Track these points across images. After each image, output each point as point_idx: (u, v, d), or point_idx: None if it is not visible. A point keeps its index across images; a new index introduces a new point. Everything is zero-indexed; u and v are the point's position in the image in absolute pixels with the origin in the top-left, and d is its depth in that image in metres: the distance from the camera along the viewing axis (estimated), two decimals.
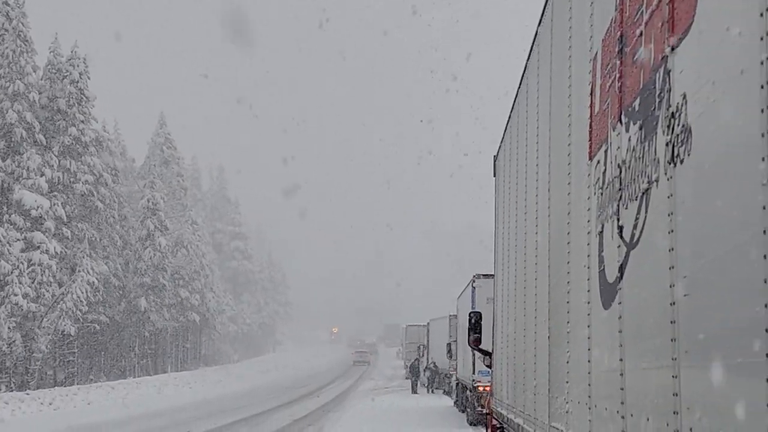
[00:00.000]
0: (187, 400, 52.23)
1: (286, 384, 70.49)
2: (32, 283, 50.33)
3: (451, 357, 48.24)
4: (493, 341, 16.61)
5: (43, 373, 57.42)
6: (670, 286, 4.29)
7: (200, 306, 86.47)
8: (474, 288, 32.46)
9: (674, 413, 4.17)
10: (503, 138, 14.81)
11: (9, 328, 48.51)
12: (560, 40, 8.19)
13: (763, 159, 3.10)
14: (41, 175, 52.78)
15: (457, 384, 44.71)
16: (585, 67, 6.86)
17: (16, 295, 48.53)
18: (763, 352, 3.09)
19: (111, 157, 66.18)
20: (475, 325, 18.49)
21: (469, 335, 18.68)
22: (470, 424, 35.72)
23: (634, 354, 5.27)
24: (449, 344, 49.11)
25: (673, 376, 4.26)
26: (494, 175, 16.37)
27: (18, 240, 49.95)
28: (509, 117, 13.69)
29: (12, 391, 49.22)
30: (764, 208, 3.10)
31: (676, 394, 4.21)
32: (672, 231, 4.28)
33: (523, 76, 11.72)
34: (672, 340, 4.28)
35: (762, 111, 3.08)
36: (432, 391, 61.65)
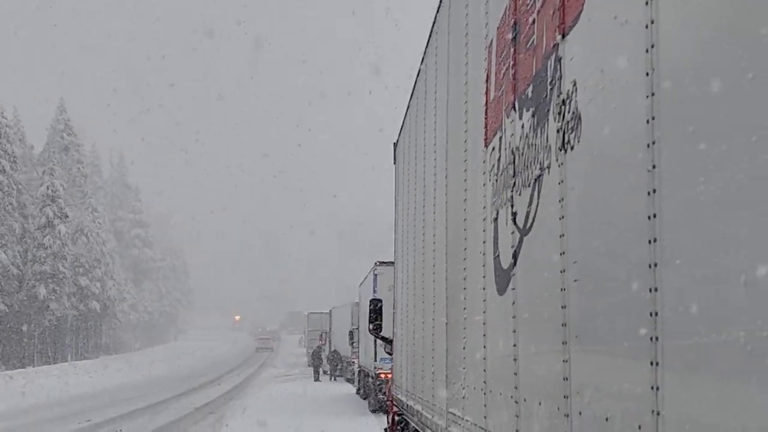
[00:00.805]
0: (87, 389, 51.36)
1: (188, 372, 69.82)
2: None
3: (353, 344, 48.22)
4: (393, 328, 16.65)
5: None
6: (561, 272, 4.32)
7: (101, 294, 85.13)
8: (376, 275, 32.53)
9: (565, 397, 4.20)
10: (403, 124, 14.81)
11: None
12: (457, 27, 8.19)
13: (648, 145, 3.12)
14: None
15: (360, 371, 44.78)
16: (481, 54, 6.87)
17: None
18: (648, 335, 3.11)
19: (9, 144, 64.58)
20: (376, 312, 18.55)
21: (369, 322, 18.74)
22: (372, 411, 35.80)
23: (527, 339, 5.30)
24: (351, 331, 49.07)
25: (563, 361, 4.29)
26: (394, 162, 16.37)
27: None
28: (409, 104, 13.69)
29: None
30: (649, 194, 3.12)
31: (567, 378, 4.24)
32: (563, 217, 4.30)
33: (422, 62, 11.71)
34: (563, 325, 4.31)
35: (647, 98, 3.10)
36: (334, 379, 61.60)
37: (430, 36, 10.75)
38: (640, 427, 3.17)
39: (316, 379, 60.23)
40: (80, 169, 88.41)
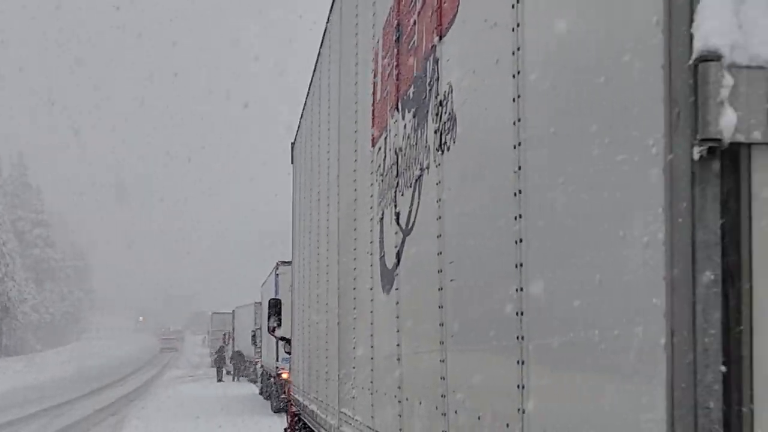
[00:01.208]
0: None
1: (91, 373, 68.49)
2: None
3: (256, 345, 47.87)
4: (291, 328, 16.62)
5: None
6: (439, 272, 4.34)
7: (0, 295, 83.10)
8: (277, 275, 32.34)
9: (442, 396, 4.21)
10: (300, 124, 14.76)
11: None
12: (348, 27, 8.17)
13: (514, 147, 3.13)
14: None
15: (262, 372, 44.52)
16: (369, 54, 6.87)
17: None
18: (514, 335, 3.13)
19: None
20: (275, 312, 18.50)
21: (268, 322, 18.66)
22: (275, 412, 35.62)
23: (409, 339, 5.30)
24: (254, 332, 48.70)
25: (440, 361, 4.30)
26: (292, 162, 16.30)
27: None
28: (305, 103, 13.64)
29: None
30: (515, 194, 3.14)
31: (444, 378, 4.25)
32: (440, 217, 4.32)
33: (317, 62, 11.67)
34: (440, 324, 4.32)
35: (514, 100, 3.11)
36: (237, 379, 61.13)
37: (324, 35, 10.72)
38: (508, 425, 3.18)
39: (219, 380, 59.72)
40: None
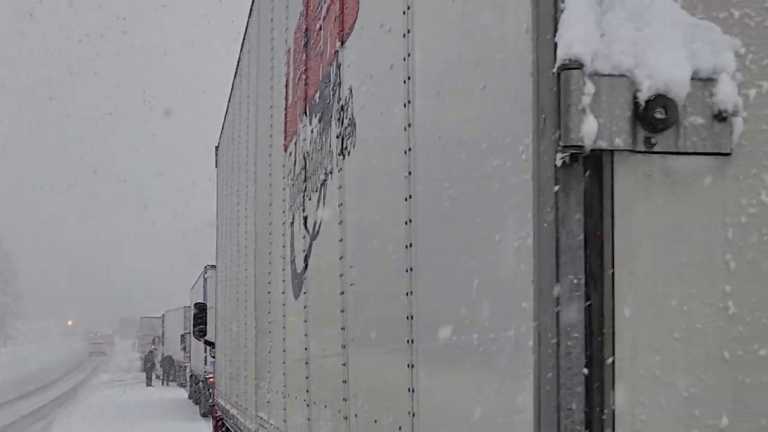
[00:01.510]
0: None
1: (17, 378, 67.27)
2: None
3: (185, 349, 47.55)
4: (215, 332, 16.56)
5: None
6: (340, 276, 4.35)
7: None
8: (206, 279, 32.11)
9: (344, 400, 4.22)
10: (222, 129, 14.70)
11: None
12: (265, 31, 8.17)
13: (405, 152, 3.15)
14: None
15: (191, 376, 44.21)
16: (282, 59, 6.87)
17: None
18: (405, 338, 3.14)
19: None
20: (201, 315, 18.47)
21: (194, 326, 18.61)
22: (203, 416, 35.42)
23: (316, 343, 5.31)
24: (183, 336, 48.34)
25: (342, 364, 4.31)
26: (216, 166, 16.23)
27: None
28: (227, 108, 13.59)
29: None
30: (406, 199, 3.15)
31: (346, 381, 4.26)
32: (341, 222, 4.33)
33: (238, 64, 11.64)
34: (342, 328, 4.33)
35: (405, 105, 3.13)
36: (167, 384, 60.64)
37: (243, 40, 10.68)
38: (400, 428, 3.19)
39: (149, 384, 59.20)
40: None
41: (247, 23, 10.18)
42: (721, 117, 1.98)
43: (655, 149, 1.96)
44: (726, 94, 1.98)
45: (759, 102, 2.04)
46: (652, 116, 1.94)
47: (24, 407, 42.76)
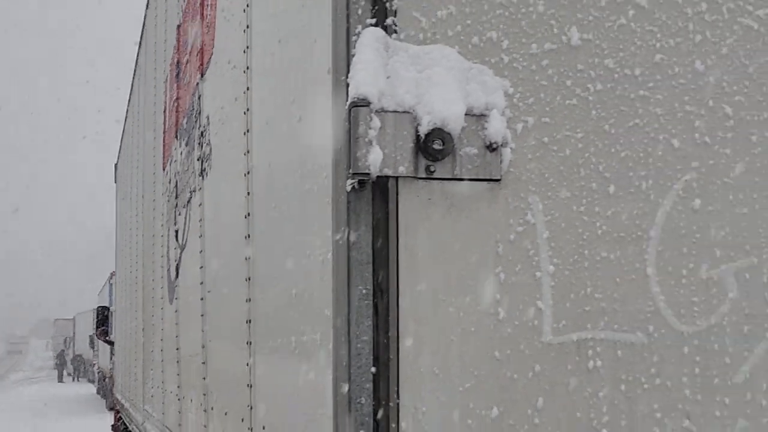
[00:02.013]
0: None
1: None
2: None
3: (94, 348, 46.56)
4: (115, 333, 16.35)
5: None
6: (201, 284, 4.33)
7: None
8: (111, 284, 31.47)
9: (204, 395, 4.19)
10: (120, 147, 14.42)
11: None
12: (150, 60, 8.08)
13: (245, 174, 3.17)
14: None
15: (99, 372, 43.25)
16: (161, 87, 6.82)
17: None
18: (245, 340, 3.16)
19: None
20: (103, 318, 18.25)
21: (96, 327, 18.40)
22: (109, 409, 34.55)
23: (185, 343, 5.28)
24: (92, 336, 47.30)
25: (202, 363, 4.30)
26: (115, 181, 15.94)
27: None
28: (123, 128, 13.34)
29: None
30: (246, 216, 3.17)
31: (205, 378, 4.25)
32: (201, 235, 4.32)
33: (131, 90, 11.44)
34: (202, 331, 4.32)
35: (244, 134, 3.16)
36: (77, 380, 59.16)
37: (135, 65, 10.50)
38: (242, 420, 3.20)
39: (60, 381, 57.64)
40: None
41: (138, 51, 10.04)
42: (491, 147, 2.05)
43: (435, 176, 2.02)
44: (496, 128, 2.05)
45: (525, 135, 2.12)
46: (432, 147, 1.99)
47: None
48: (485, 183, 2.09)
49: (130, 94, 11.62)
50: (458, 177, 2.06)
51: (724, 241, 2.23)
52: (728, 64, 2.25)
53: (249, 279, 3.06)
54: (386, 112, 2.02)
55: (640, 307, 2.16)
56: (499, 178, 2.08)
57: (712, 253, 2.21)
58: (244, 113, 3.14)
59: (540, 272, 2.10)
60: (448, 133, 2.02)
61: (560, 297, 2.11)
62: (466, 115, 2.06)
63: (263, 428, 2.90)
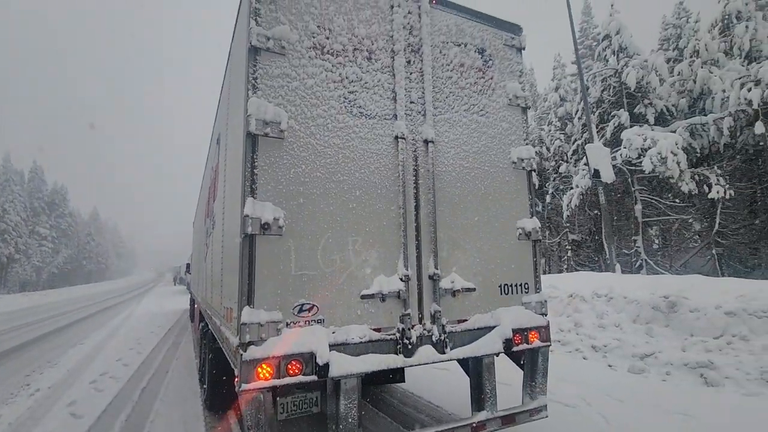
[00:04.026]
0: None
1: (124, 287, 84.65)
2: None
3: (186, 274, 58.41)
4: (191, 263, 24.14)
5: None
6: (211, 264, 9.08)
7: None
8: (190, 256, 38.93)
9: None
10: (196, 210, 22.33)
11: None
12: (206, 170, 13.39)
13: (222, 237, 7.91)
14: None
15: (187, 283, 56.00)
16: (205, 188, 12.35)
17: None
18: (218, 282, 7.43)
19: None
20: (188, 265, 31.94)
21: (186, 268, 30.41)
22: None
23: (211, 275, 9.31)
24: (185, 271, 58.75)
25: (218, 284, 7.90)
26: (193, 225, 23.35)
27: None
28: (198, 199, 17.83)
29: None
30: (222, 249, 6.70)
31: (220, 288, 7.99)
32: (208, 250, 9.47)
33: (203, 176, 15.43)
34: (213, 271, 8.59)
35: (222, 220, 9.90)
36: (178, 285, 79.20)
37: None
38: None
39: (174, 285, 78.97)
40: None
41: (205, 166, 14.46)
42: None
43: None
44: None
45: None
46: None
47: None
48: None
49: (202, 182, 16.30)
50: None
51: None
52: None
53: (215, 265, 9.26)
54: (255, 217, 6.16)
55: None
56: None
57: None
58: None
59: None
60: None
61: None
62: None
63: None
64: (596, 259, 34.38)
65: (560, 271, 37.22)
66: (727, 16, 28.84)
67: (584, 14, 47.23)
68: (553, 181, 37.54)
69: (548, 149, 38.64)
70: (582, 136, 33.69)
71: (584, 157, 28.16)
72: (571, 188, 32.83)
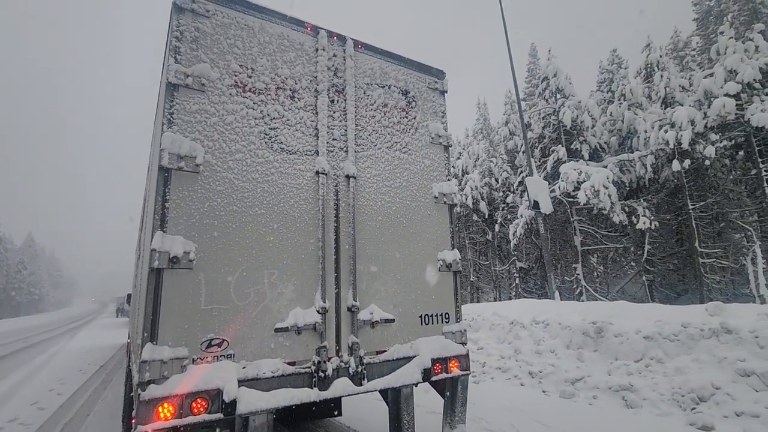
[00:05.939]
0: None
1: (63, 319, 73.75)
2: None
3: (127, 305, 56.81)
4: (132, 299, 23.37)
5: None
6: (135, 287, 10.63)
7: None
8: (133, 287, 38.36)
9: None
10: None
11: None
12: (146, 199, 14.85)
13: (140, 255, 8.73)
14: None
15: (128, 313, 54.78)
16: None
17: None
18: (136, 301, 8.84)
19: None
20: (129, 296, 27.11)
21: (127, 299, 26.94)
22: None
23: (138, 305, 8.60)
24: (125, 301, 57.45)
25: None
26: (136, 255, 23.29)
27: None
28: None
29: None
30: (139, 268, 8.44)
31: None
32: (137, 274, 10.38)
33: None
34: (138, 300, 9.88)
35: (140, 243, 10.03)
36: (121, 317, 74.38)
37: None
38: None
39: (117, 317, 72.69)
40: None
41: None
42: None
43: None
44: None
45: None
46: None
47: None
48: None
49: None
50: None
51: None
52: None
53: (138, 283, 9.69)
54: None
55: None
56: None
57: None
58: (142, 248, 9.31)
59: None
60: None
61: None
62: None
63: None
64: (542, 286, 35.09)
65: (510, 298, 37.70)
66: (649, 65, 32.11)
67: (531, 56, 50.36)
68: (502, 210, 38.42)
69: (497, 180, 39.95)
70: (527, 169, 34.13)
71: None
72: (517, 218, 33.56)
